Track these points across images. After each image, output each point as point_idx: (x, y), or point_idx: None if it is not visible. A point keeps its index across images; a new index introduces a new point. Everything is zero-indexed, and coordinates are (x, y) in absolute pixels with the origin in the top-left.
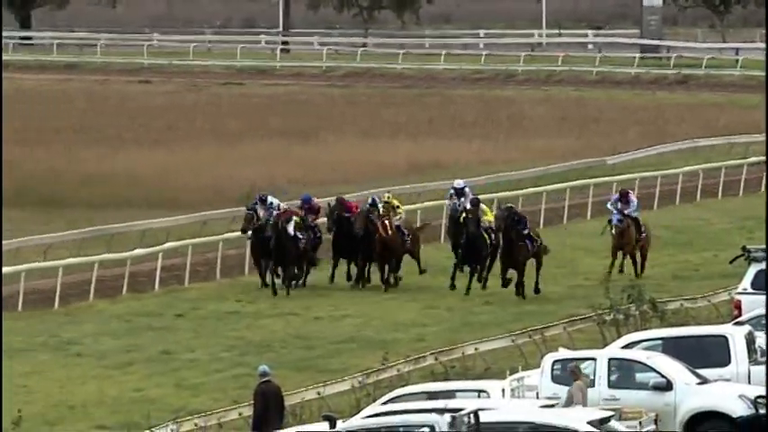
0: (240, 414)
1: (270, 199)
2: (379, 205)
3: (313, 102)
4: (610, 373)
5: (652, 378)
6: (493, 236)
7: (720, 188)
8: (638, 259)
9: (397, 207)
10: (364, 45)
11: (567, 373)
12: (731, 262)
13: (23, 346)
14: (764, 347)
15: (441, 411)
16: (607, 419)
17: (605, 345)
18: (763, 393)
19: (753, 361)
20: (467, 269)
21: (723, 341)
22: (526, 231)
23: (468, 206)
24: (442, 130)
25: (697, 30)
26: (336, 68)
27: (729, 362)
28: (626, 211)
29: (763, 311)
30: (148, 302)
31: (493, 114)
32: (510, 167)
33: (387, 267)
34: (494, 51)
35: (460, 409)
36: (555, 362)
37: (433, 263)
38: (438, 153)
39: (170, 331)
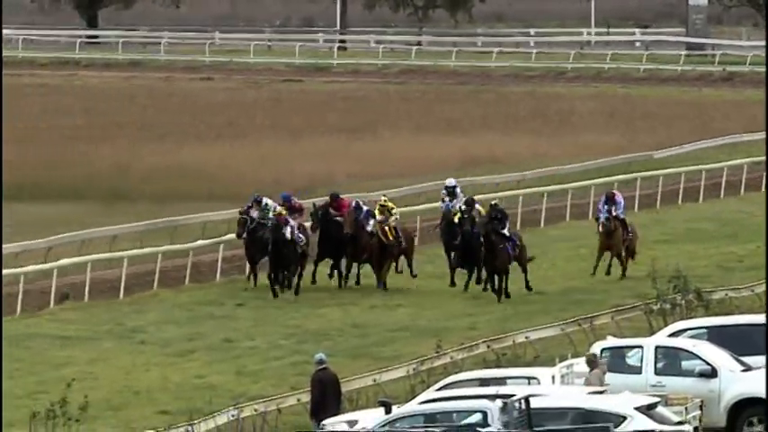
0: (299, 400)
1: (265, 200)
2: (375, 210)
3: (369, 98)
4: (656, 360)
5: (697, 365)
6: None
7: (764, 182)
8: (624, 259)
9: (392, 209)
10: (419, 43)
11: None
12: None
13: (90, 335)
14: None
15: (492, 398)
16: (654, 405)
17: (652, 333)
18: None
19: None
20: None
21: (766, 329)
22: (506, 232)
23: (463, 206)
24: (494, 125)
25: (741, 28)
26: (392, 66)
27: None
28: (614, 213)
29: None
30: (210, 292)
31: (543, 110)
32: (560, 162)
33: (383, 269)
34: (544, 49)
35: (511, 396)
36: (603, 349)
37: None
38: (491, 147)
39: (231, 320)
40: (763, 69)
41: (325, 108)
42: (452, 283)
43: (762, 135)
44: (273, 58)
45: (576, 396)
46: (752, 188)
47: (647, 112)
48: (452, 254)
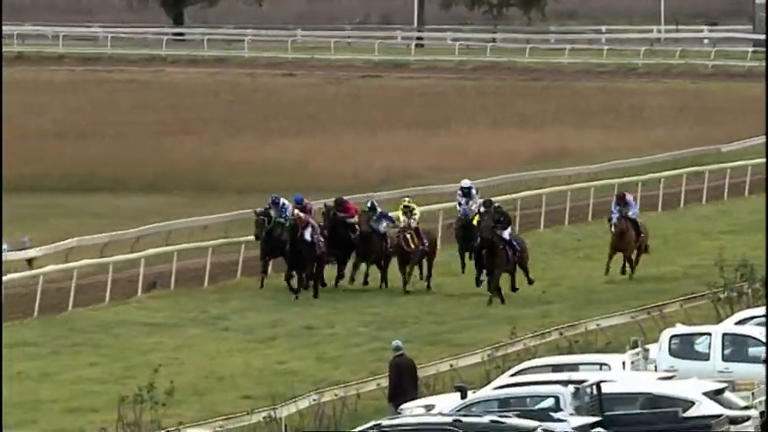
0: (378, 385)
1: (282, 201)
2: (398, 212)
3: (446, 94)
4: (724, 347)
5: (764, 352)
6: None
7: None
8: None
9: (414, 210)
10: (493, 40)
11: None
12: None
13: (175, 322)
14: None
15: (565, 383)
16: (721, 390)
17: (720, 321)
18: None
19: None
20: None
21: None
22: (507, 236)
23: (482, 209)
24: (567, 119)
25: None
26: (467, 62)
27: None
28: (627, 214)
29: None
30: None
31: (615, 105)
32: (631, 155)
33: (406, 274)
34: (615, 46)
35: (583, 381)
36: (672, 336)
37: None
38: (564, 142)
39: (311, 307)
40: None
41: (403, 103)
42: (478, 284)
43: None
44: (353, 55)
45: (646, 381)
46: None
47: (715, 106)
48: (468, 255)
